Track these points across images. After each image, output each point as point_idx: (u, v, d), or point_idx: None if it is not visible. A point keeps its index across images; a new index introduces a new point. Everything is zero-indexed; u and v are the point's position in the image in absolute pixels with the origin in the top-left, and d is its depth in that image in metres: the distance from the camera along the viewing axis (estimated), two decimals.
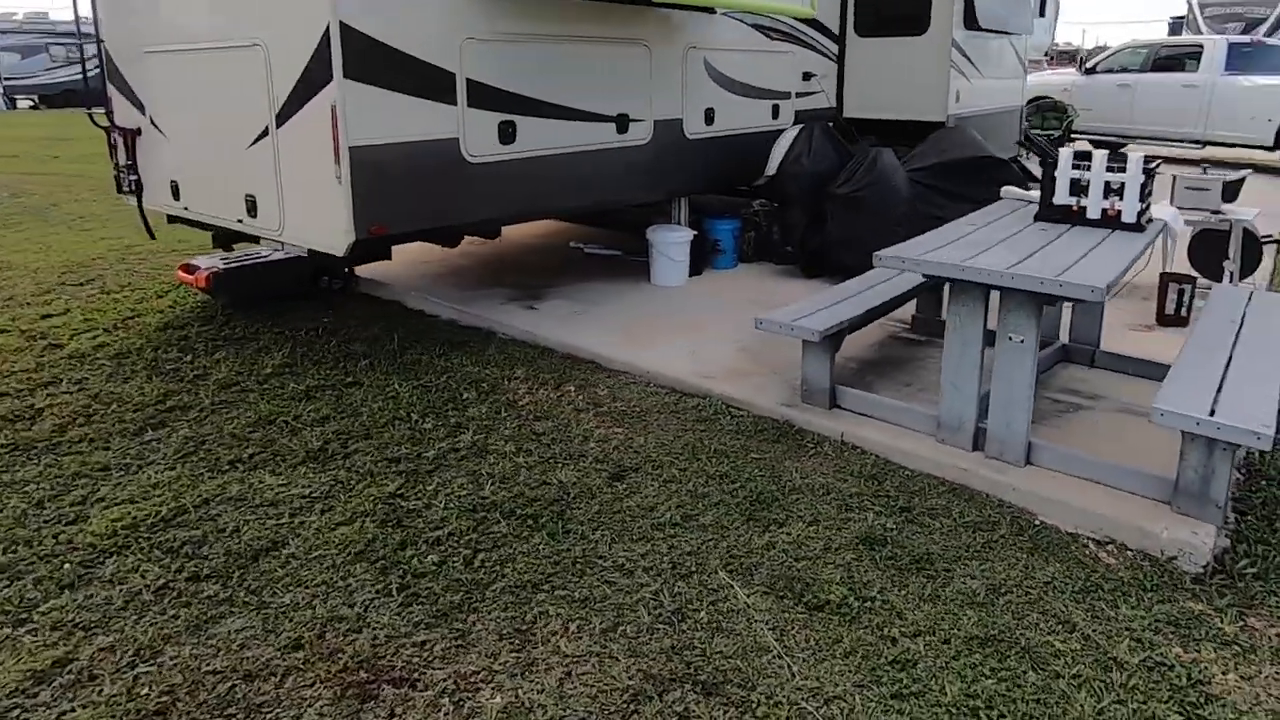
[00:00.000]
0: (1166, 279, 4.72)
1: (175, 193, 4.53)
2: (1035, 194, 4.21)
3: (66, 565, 2.61)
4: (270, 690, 2.08)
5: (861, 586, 2.46)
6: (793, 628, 2.29)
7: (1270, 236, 5.43)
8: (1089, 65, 13.67)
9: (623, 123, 4.65)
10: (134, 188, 4.74)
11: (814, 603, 2.39)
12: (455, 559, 2.59)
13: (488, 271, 5.90)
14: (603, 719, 1.98)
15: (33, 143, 15.10)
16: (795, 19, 5.93)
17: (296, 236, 3.80)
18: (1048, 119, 12.62)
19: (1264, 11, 21.33)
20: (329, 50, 3.36)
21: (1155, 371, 3.83)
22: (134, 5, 4.44)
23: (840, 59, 6.60)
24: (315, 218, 3.64)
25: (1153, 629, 2.32)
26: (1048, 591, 2.46)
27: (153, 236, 5.18)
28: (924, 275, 3.28)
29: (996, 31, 6.81)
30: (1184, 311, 4.70)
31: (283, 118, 3.67)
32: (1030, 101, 12.29)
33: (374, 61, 3.45)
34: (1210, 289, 4.20)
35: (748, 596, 2.42)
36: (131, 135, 4.65)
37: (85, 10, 4.61)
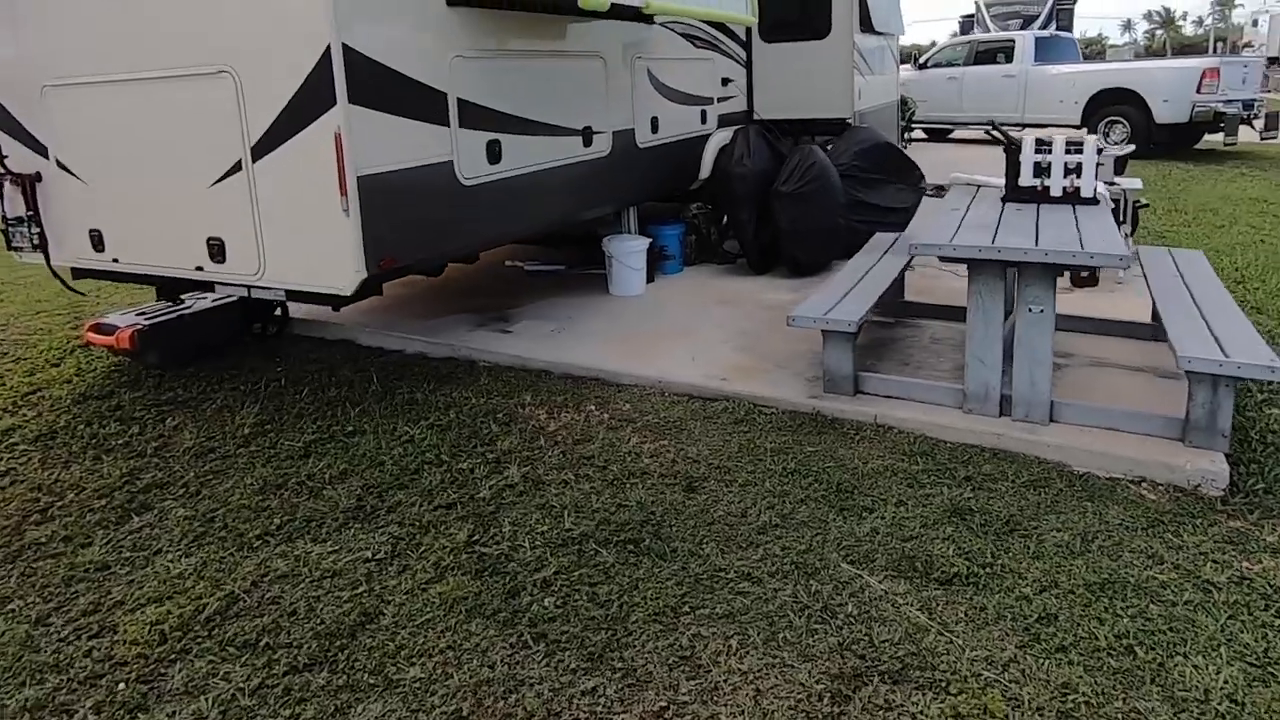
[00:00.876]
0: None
1: (98, 243, 3.96)
2: (982, 178, 4.60)
3: (122, 685, 2.24)
4: None
5: (975, 555, 2.59)
6: (937, 605, 2.38)
7: (1141, 201, 6.23)
8: (921, 61, 15.04)
9: (587, 135, 4.59)
10: (38, 242, 4.10)
11: (942, 577, 2.50)
12: (577, 597, 2.47)
13: (435, 298, 5.62)
14: None
15: None
16: (710, 25, 6.11)
17: (284, 279, 3.44)
18: None
19: (1037, 9, 24.39)
20: (330, 73, 3.09)
21: (1105, 328, 4.31)
22: (25, 35, 3.86)
23: (748, 64, 6.86)
24: (312, 256, 3.32)
25: (1219, 549, 2.62)
26: (1124, 532, 2.71)
27: (80, 292, 4.51)
28: (935, 257, 3.50)
29: (881, 33, 7.36)
30: (1096, 274, 5.30)
31: (262, 150, 3.31)
32: None
33: (374, 84, 3.20)
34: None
35: (880, 582, 2.49)
36: (28, 182, 4.02)
37: None
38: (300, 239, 3.34)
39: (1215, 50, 47.37)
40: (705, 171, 6.22)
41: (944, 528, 2.74)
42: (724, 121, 6.49)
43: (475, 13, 3.71)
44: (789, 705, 2.05)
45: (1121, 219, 5.59)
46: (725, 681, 2.13)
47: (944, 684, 2.09)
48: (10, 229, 4.22)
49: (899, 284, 4.80)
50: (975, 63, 13.94)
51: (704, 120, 6.14)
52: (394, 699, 2.12)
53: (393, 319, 5.14)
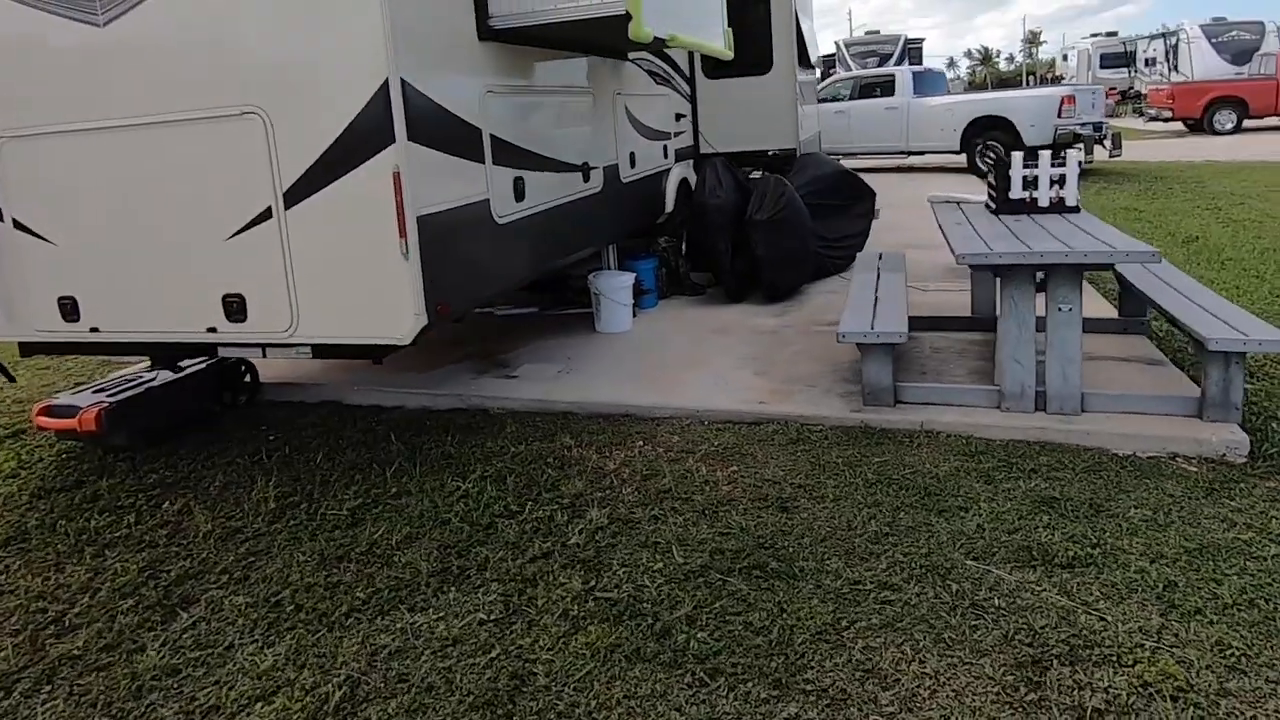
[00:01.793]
0: None
1: (69, 312, 3.56)
2: (961, 195, 4.99)
3: None
4: None
5: (1079, 538, 2.78)
6: (1071, 587, 2.53)
7: None
8: None
9: (585, 171, 4.62)
10: None
11: (1062, 562, 2.66)
12: (731, 628, 2.44)
13: (415, 351, 5.38)
14: (1029, 709, 2.05)
15: None
16: (664, 62, 6.34)
17: (323, 333, 3.22)
18: None
19: (890, 49, 26.65)
20: (388, 110, 2.96)
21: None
22: None
23: (693, 99, 7.14)
24: (361, 306, 3.13)
25: (1272, 507, 2.94)
26: (1189, 502, 2.99)
27: (12, 379, 4.03)
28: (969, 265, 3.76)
29: (812, 67, 7.87)
30: None
31: (298, 195, 3.11)
32: None
33: (425, 120, 3.09)
34: None
35: (1009, 574, 2.62)
36: None
37: None
38: (346, 288, 3.15)
39: (1028, 82, 53.28)
40: (670, 205, 6.38)
41: (1039, 517, 2.93)
42: (679, 156, 6.70)
43: (503, 47, 3.70)
44: (992, 698, 2.12)
45: None
46: (920, 687, 2.18)
47: (1116, 658, 2.23)
48: None
49: None
50: (859, 97, 15.04)
51: (665, 155, 6.32)
52: None
53: (377, 374, 4.89)
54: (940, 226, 4.28)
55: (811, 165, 6.76)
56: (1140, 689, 2.12)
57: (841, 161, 15.88)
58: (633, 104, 5.46)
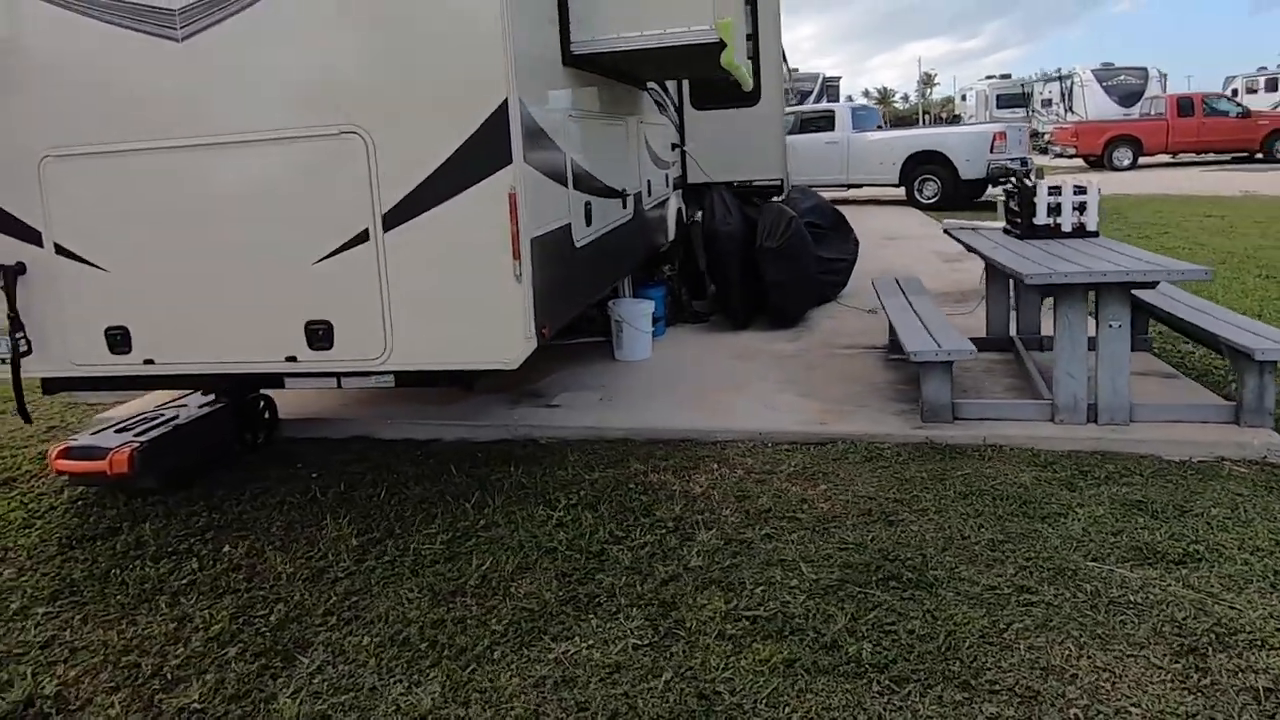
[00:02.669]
0: None
1: (119, 344, 3.33)
2: (977, 222, 5.33)
3: None
4: None
5: (1179, 536, 3.01)
6: (1193, 581, 2.74)
7: None
8: None
9: (624, 198, 4.70)
10: (15, 349, 3.35)
11: (1174, 559, 2.87)
12: (896, 637, 2.51)
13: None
14: (1206, 692, 2.20)
15: None
16: (662, 91, 6.51)
17: (420, 358, 3.12)
18: None
19: (810, 86, 28.01)
20: (505, 129, 2.94)
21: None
22: (21, 94, 3.30)
23: (680, 129, 7.35)
24: (468, 329, 3.08)
25: None
26: (1260, 499, 3.27)
27: (29, 420, 3.71)
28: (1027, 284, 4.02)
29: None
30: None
31: (400, 217, 3.05)
32: None
33: (533, 141, 3.09)
34: None
35: (1130, 571, 2.81)
36: (10, 275, 3.31)
37: None
38: (450, 313, 3.09)
39: (924, 121, 56.91)
40: (672, 233, 6.52)
41: (1133, 519, 3.15)
42: (674, 185, 6.87)
43: (578, 73, 3.75)
44: (1170, 685, 2.27)
45: None
46: (1100, 679, 2.31)
47: (1262, 641, 2.43)
48: None
49: None
50: (800, 131, 15.73)
51: (667, 183, 6.47)
52: None
53: (404, 408, 4.78)
54: (978, 251, 4.57)
55: (802, 197, 7.06)
56: None
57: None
58: (649, 133, 5.59)
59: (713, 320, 6.57)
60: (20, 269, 3.36)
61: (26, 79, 3.28)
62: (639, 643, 2.59)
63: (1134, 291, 4.72)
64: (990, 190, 14.74)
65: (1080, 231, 4.60)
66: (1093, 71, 27.61)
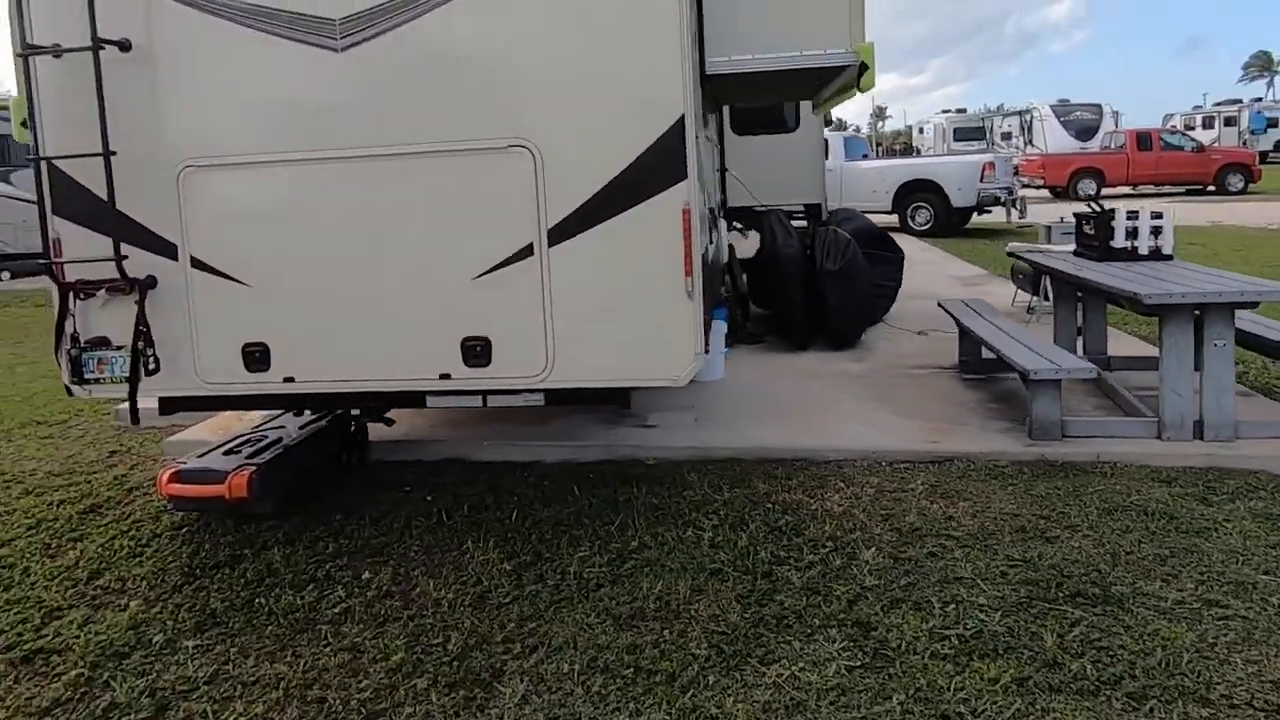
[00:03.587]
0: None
1: (258, 361, 3.17)
2: (1044, 246, 5.44)
3: None
4: None
5: None
6: None
7: None
8: None
9: (714, 216, 4.69)
10: (137, 365, 3.15)
11: None
12: (1110, 653, 2.50)
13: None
14: None
15: None
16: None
17: (583, 375, 3.04)
18: None
19: None
20: (681, 145, 2.91)
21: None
22: (162, 101, 3.17)
23: (721, 154, 7.41)
24: (635, 346, 3.02)
25: None
26: None
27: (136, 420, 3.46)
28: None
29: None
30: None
31: (566, 232, 2.98)
32: None
33: (697, 158, 3.05)
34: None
35: None
36: (140, 289, 3.12)
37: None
38: (617, 329, 3.02)
39: (878, 153, 58.55)
40: (724, 255, 6.53)
41: None
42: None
43: (704, 95, 3.73)
44: None
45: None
46: None
47: None
48: (86, 355, 3.24)
49: (974, 345, 5.44)
50: None
51: (722, 207, 6.50)
52: None
53: (493, 429, 4.65)
54: (1062, 272, 4.67)
55: (850, 218, 7.15)
56: None
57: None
58: (714, 153, 5.62)
59: (767, 341, 6.58)
60: (151, 283, 3.19)
61: (168, 87, 3.14)
62: (851, 663, 2.54)
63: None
64: (976, 217, 15.23)
65: (1156, 255, 4.74)
66: (1051, 107, 28.74)
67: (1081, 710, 2.29)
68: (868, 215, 8.70)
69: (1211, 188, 22.32)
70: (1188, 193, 22.90)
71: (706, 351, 3.14)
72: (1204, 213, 17.26)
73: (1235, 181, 22.07)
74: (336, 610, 2.99)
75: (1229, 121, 35.46)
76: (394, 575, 3.19)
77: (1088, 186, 22.46)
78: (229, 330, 3.21)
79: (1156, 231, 4.75)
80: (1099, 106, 28.38)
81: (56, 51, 3.09)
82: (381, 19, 2.99)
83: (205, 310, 3.21)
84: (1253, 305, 4.01)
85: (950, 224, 14.43)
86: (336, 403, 3.59)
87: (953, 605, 2.81)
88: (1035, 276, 6.81)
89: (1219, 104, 38.59)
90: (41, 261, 3.17)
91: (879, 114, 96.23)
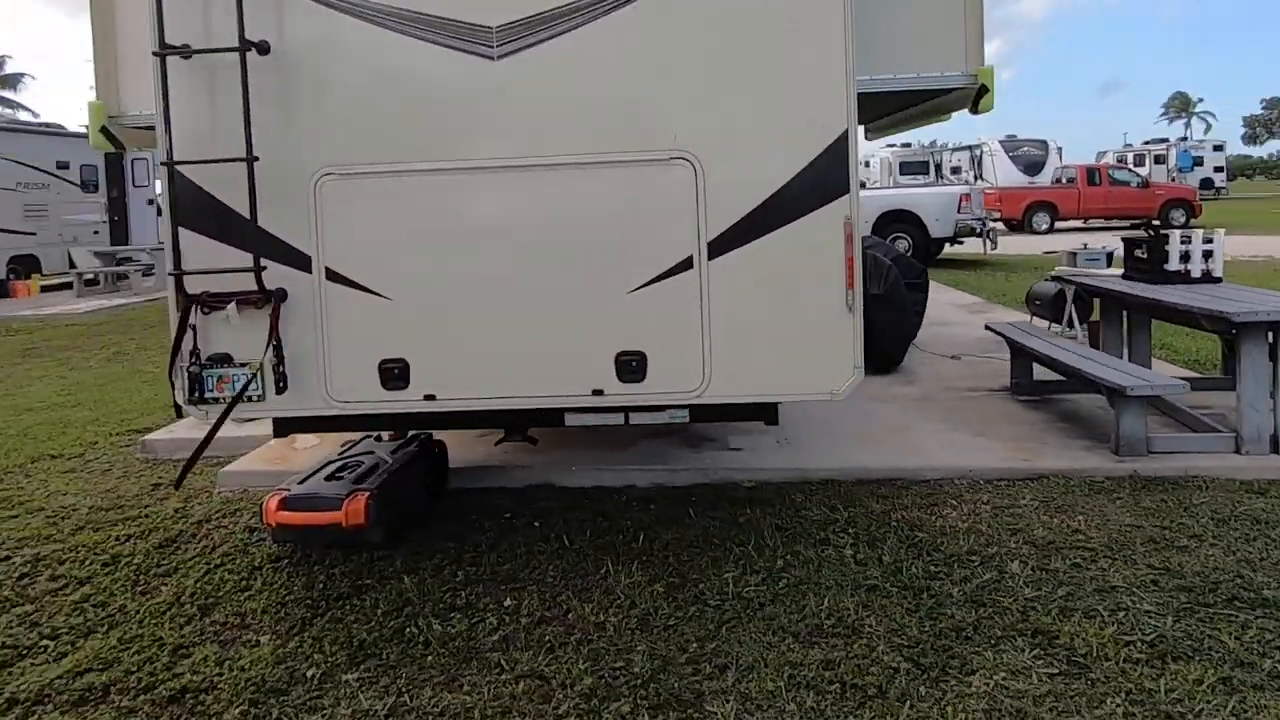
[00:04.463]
0: (1094, 325, 6.71)
1: (395, 378, 3.08)
2: (1092, 270, 5.73)
3: None
4: None
5: None
6: None
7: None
8: None
9: None
10: (279, 384, 3.03)
11: None
12: None
13: (558, 434, 5.09)
14: None
15: None
16: None
17: (740, 390, 3.05)
18: None
19: None
20: (844, 160, 3.00)
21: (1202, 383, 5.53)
22: (297, 108, 3.12)
23: None
24: (794, 360, 3.07)
25: None
26: None
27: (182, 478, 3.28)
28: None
29: None
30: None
31: (725, 245, 3.02)
32: None
33: None
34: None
35: None
36: (273, 303, 3.02)
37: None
38: (775, 342, 3.06)
39: None
40: None
41: None
42: None
43: None
44: None
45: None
46: None
47: None
48: (206, 372, 3.11)
49: (1027, 366, 5.67)
50: None
51: None
52: None
53: (593, 454, 4.62)
54: (1121, 294, 4.93)
55: (877, 244, 7.39)
56: None
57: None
58: None
59: None
60: (281, 296, 3.10)
61: (308, 92, 3.09)
62: (1050, 670, 2.61)
63: None
64: (948, 248, 15.87)
65: (1208, 277, 5.06)
66: (1000, 142, 30.22)
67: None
68: None
69: (1156, 221, 23.74)
70: (1132, 226, 24.33)
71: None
72: None
73: (1178, 216, 23.54)
74: (495, 638, 2.92)
75: (1159, 159, 37.87)
76: (542, 601, 3.14)
77: (1042, 220, 23.67)
78: (365, 346, 3.14)
79: (1207, 255, 5.07)
80: (1044, 142, 29.97)
81: (196, 52, 3.02)
82: (541, 27, 3.02)
83: (340, 325, 3.13)
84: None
85: (929, 254, 14.98)
86: (478, 421, 3.53)
87: (1121, 613, 2.92)
88: (1055, 303, 7.15)
89: (1148, 142, 41.17)
90: (171, 272, 3.05)
91: None
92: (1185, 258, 5.08)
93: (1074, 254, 6.87)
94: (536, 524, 3.85)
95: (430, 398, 3.15)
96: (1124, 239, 5.50)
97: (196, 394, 3.14)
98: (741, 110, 3.05)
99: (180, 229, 3.08)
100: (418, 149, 3.11)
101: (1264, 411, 4.28)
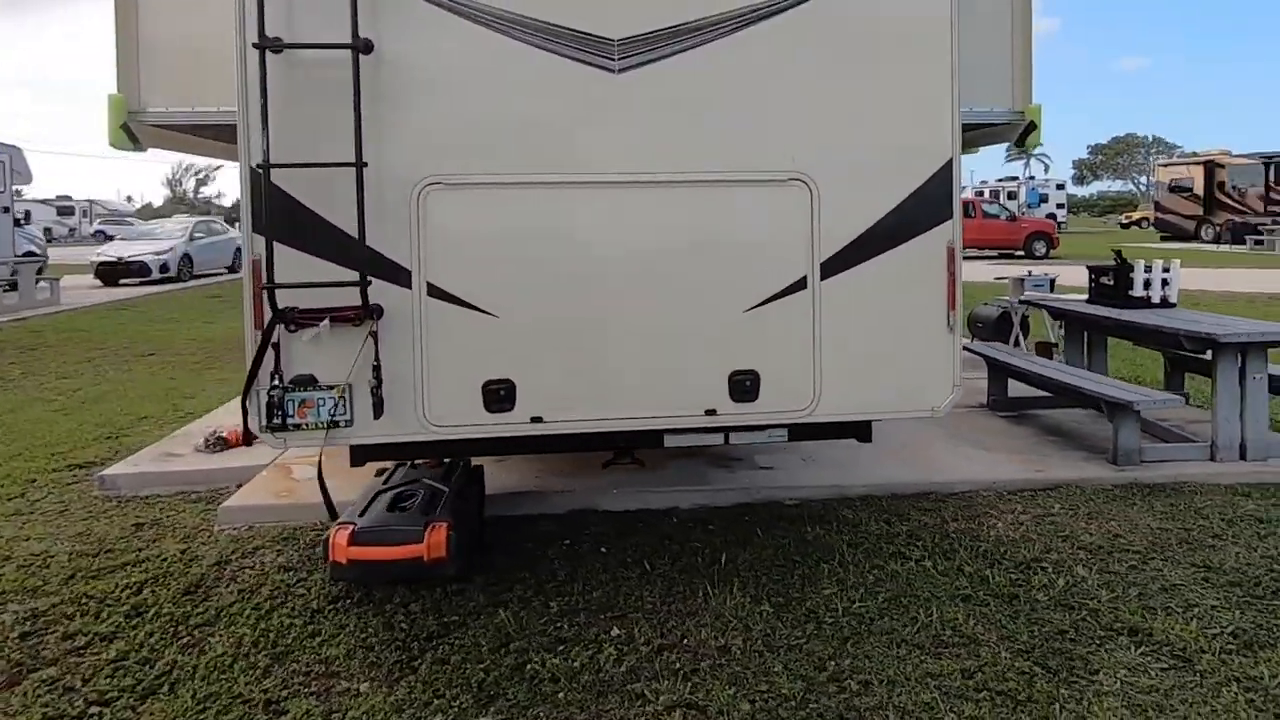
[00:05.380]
0: (1041, 345, 7.28)
1: (500, 400, 2.93)
2: (1068, 296, 6.22)
3: None
4: None
5: None
6: None
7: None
8: None
9: None
10: (377, 409, 2.80)
11: None
12: None
13: (582, 458, 4.98)
14: None
15: None
16: None
17: (848, 408, 3.12)
18: None
19: None
20: (949, 186, 3.13)
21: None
22: (404, 114, 2.96)
23: None
24: (898, 378, 3.17)
25: None
26: None
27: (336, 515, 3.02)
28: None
29: None
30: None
31: (837, 266, 3.08)
32: None
33: None
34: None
35: None
36: (370, 319, 2.79)
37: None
38: (880, 361, 3.15)
39: None
40: None
41: None
42: None
43: None
44: None
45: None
46: None
47: None
48: (290, 396, 2.85)
49: (1002, 385, 6.09)
50: None
51: None
52: None
53: (631, 476, 4.55)
54: (1098, 317, 5.42)
55: None
56: None
57: None
58: None
59: None
60: (376, 313, 2.90)
61: (414, 96, 2.94)
62: (1162, 665, 2.82)
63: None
64: None
65: (1164, 303, 5.64)
66: None
67: None
68: None
69: (1021, 252, 26.01)
70: (1000, 256, 26.52)
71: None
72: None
73: (1040, 247, 25.88)
74: (622, 669, 2.84)
75: (1010, 195, 41.62)
76: (652, 628, 3.08)
77: None
78: (469, 366, 2.99)
79: (1164, 283, 5.65)
80: None
81: (301, 47, 2.81)
82: (664, 43, 3.02)
83: (442, 344, 2.97)
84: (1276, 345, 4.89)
85: None
86: (583, 444, 3.41)
87: (1194, 608, 3.19)
88: (998, 325, 7.72)
89: (1001, 180, 45.18)
90: (265, 285, 2.79)
91: None
92: (1147, 285, 5.65)
93: (1021, 280, 7.46)
94: (603, 550, 3.77)
95: (537, 420, 3.04)
96: (1089, 267, 6.04)
97: (278, 420, 2.88)
98: (856, 134, 3.17)
99: (256, 236, 2.84)
100: (529, 160, 3.02)
101: (1234, 423, 4.80)
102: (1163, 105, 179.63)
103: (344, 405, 2.93)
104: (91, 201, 49.17)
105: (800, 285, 3.15)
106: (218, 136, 3.95)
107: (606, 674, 2.82)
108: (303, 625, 3.16)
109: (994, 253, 26.45)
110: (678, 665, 2.86)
